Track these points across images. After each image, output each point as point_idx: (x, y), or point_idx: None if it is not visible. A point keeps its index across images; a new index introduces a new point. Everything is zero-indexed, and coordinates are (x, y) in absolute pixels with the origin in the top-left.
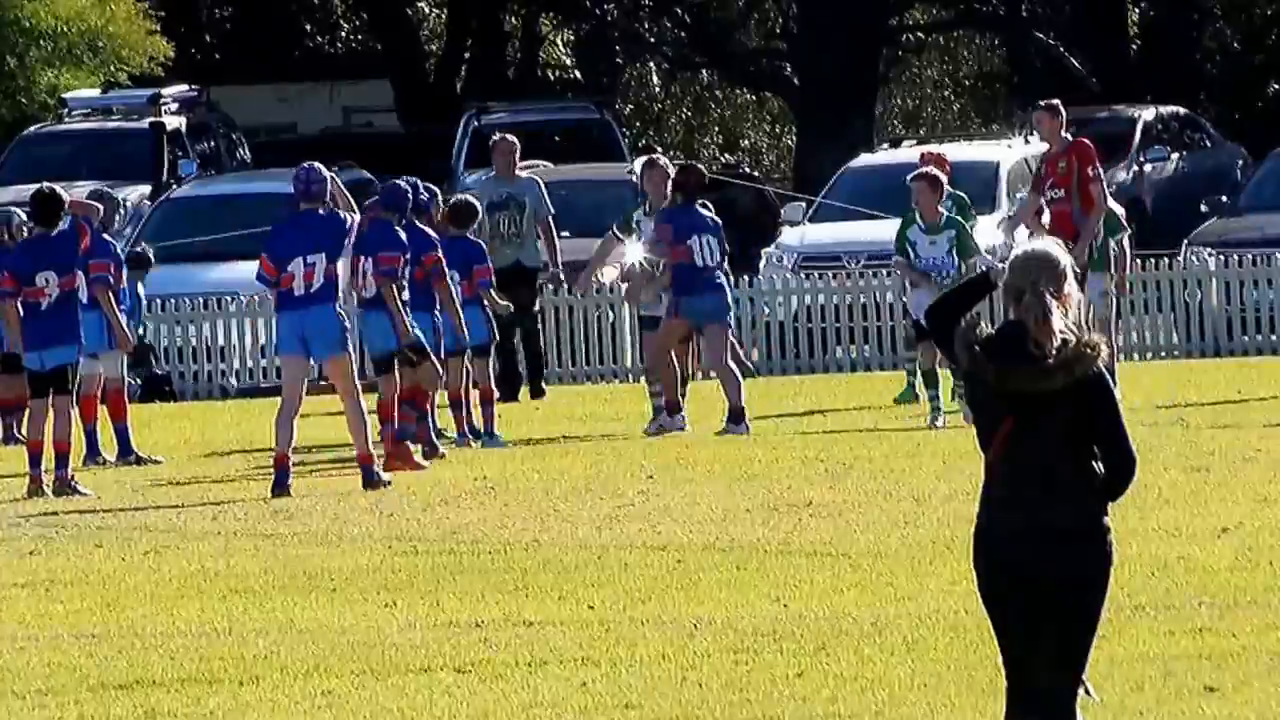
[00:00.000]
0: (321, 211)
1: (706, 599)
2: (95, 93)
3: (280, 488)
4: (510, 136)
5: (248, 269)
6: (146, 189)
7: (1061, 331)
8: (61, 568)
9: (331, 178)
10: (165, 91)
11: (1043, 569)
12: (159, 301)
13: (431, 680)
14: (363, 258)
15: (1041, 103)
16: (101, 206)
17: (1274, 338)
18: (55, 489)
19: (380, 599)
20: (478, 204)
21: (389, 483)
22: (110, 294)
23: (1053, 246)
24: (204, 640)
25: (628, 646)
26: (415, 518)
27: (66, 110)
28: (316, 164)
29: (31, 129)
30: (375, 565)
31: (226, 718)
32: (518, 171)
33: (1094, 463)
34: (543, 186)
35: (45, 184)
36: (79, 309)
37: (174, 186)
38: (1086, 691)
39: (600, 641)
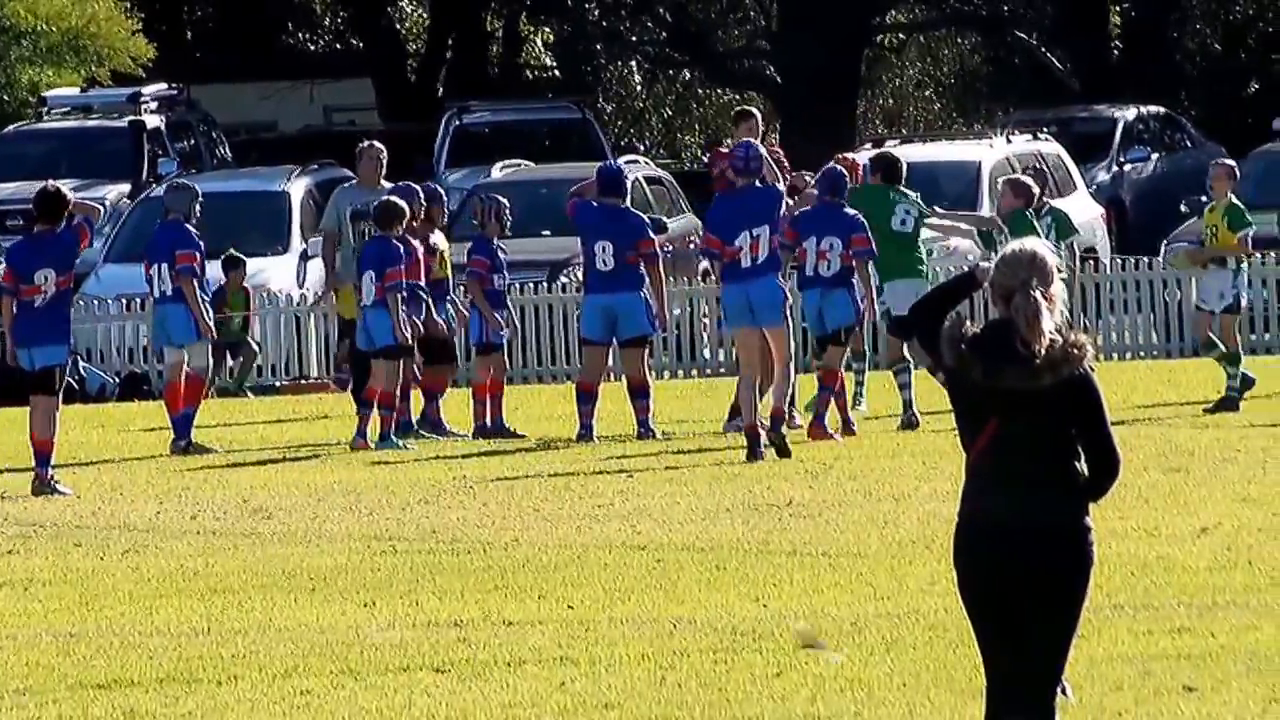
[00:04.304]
0: (758, 184)
1: (686, 598)
2: (75, 91)
3: (754, 456)
4: (378, 144)
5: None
6: (126, 187)
7: (1050, 332)
8: (40, 567)
9: (765, 155)
10: (145, 90)
11: (1023, 568)
12: (138, 300)
13: (410, 680)
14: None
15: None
16: (101, 208)
17: (1253, 337)
18: (35, 488)
19: (359, 598)
20: (404, 205)
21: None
22: (195, 284)
23: (1040, 246)
24: (182, 640)
25: (607, 646)
26: (394, 517)
27: (46, 108)
28: (753, 141)
29: (10, 127)
30: (354, 565)
31: (205, 717)
32: (383, 180)
33: (1077, 462)
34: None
35: (50, 183)
36: (69, 309)
37: (154, 185)
38: (1063, 692)
39: (580, 641)
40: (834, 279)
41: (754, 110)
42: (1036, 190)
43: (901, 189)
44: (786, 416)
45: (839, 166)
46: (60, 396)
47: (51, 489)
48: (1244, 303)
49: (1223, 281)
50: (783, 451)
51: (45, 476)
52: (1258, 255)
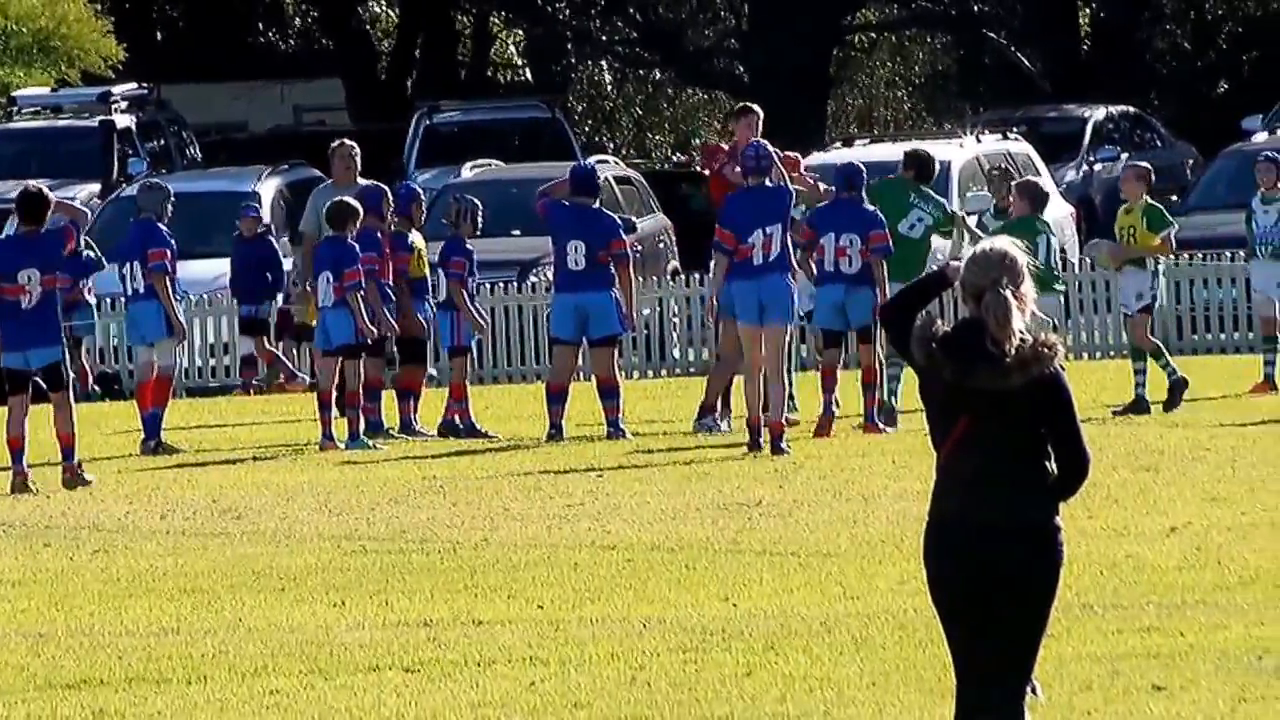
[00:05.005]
0: (769, 184)
1: (655, 598)
2: (45, 91)
3: (755, 446)
4: (349, 142)
5: (195, 268)
6: (96, 187)
7: (1020, 331)
8: (9, 567)
9: (775, 154)
10: (115, 90)
11: (993, 567)
12: (108, 300)
13: (380, 679)
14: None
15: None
16: (87, 212)
17: (1223, 336)
18: (66, 480)
19: (329, 598)
20: (356, 205)
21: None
22: (168, 281)
23: (1010, 245)
24: (152, 639)
25: (577, 646)
26: (364, 517)
27: (16, 108)
28: (763, 141)
29: None
30: (324, 564)
31: (174, 717)
32: (358, 179)
33: (1046, 462)
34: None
35: (31, 183)
36: (58, 307)
37: (124, 185)
38: (1033, 691)
39: (549, 641)
40: (859, 276)
41: (755, 106)
42: (1048, 190)
43: (926, 190)
44: (786, 426)
45: (855, 162)
46: (71, 391)
47: (81, 479)
48: (1160, 302)
49: (1141, 282)
50: (779, 453)
51: (74, 467)
52: (1235, 255)
